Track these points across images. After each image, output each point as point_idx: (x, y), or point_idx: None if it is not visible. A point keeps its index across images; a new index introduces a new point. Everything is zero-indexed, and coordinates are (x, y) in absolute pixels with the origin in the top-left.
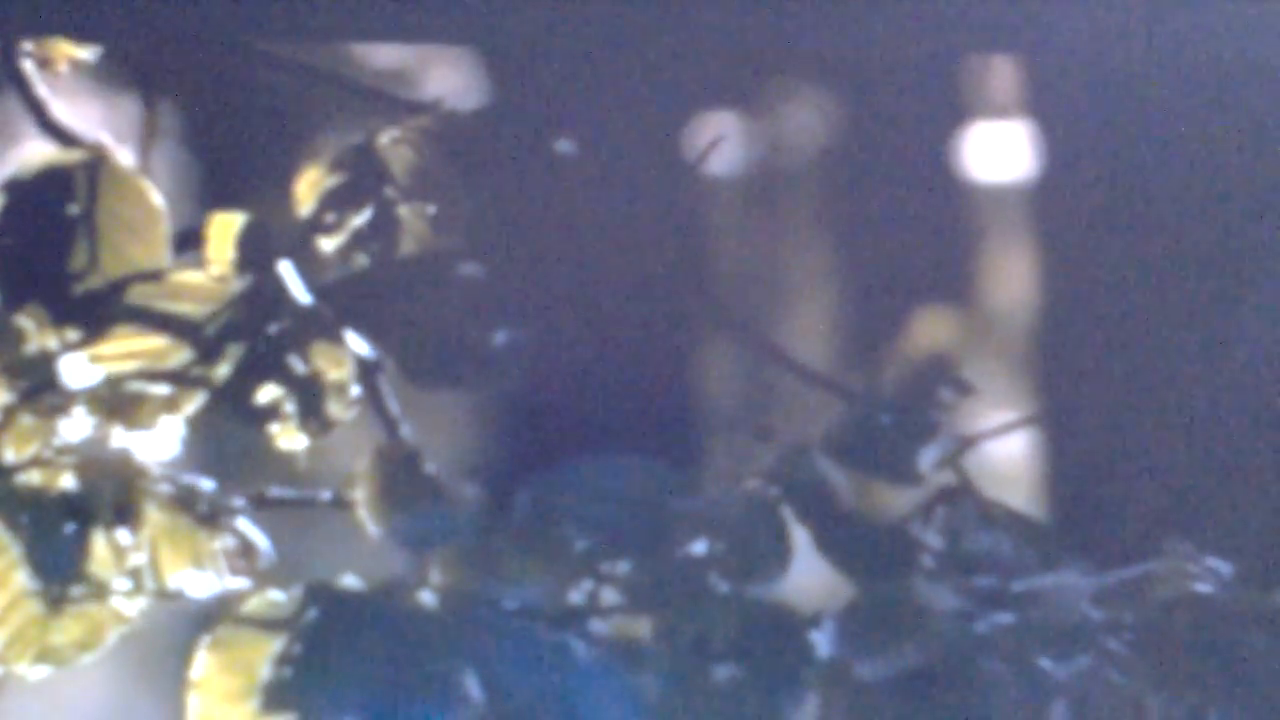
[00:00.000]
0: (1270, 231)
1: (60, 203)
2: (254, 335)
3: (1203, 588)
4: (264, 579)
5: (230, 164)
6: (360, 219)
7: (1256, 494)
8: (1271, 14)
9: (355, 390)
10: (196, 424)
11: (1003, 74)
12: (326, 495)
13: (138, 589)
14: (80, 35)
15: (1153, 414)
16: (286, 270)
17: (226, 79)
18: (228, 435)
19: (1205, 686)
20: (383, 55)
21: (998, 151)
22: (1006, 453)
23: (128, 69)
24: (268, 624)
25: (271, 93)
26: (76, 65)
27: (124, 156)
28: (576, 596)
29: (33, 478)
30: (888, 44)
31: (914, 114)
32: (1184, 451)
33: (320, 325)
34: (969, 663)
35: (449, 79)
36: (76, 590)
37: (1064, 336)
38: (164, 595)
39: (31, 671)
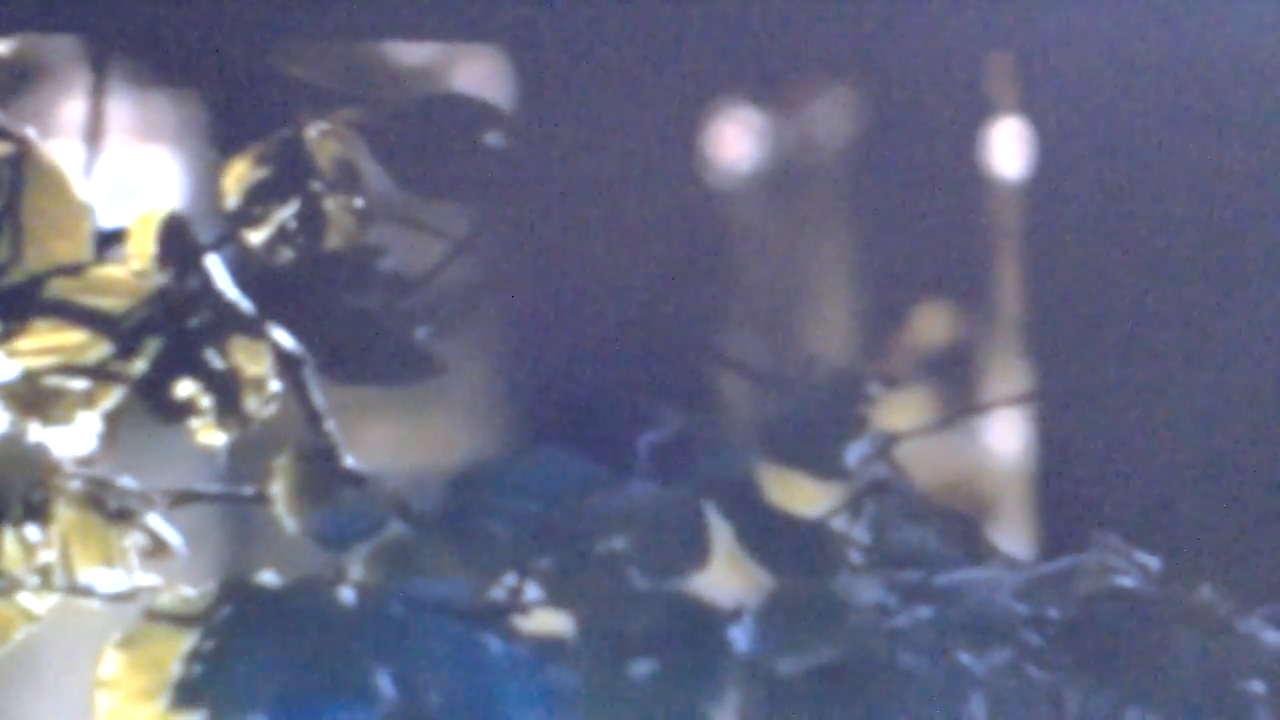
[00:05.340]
0: (1267, 233)
1: None
2: (172, 330)
3: (1127, 582)
4: (177, 576)
5: (165, 157)
6: (286, 212)
7: (1187, 489)
8: (1272, 13)
9: (275, 386)
10: (115, 419)
11: (1006, 73)
12: (248, 491)
13: (47, 586)
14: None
15: (1088, 409)
16: (211, 264)
17: (172, 71)
18: (151, 431)
19: (1124, 682)
20: (320, 49)
21: (1002, 150)
22: (940, 447)
23: (70, 62)
24: (179, 620)
25: (211, 85)
26: None
27: (52, 150)
28: (496, 592)
29: None
30: (890, 44)
31: (915, 114)
32: (1117, 445)
33: (239, 320)
34: (889, 657)
35: (393, 72)
36: None
37: (1040, 333)
38: (74, 593)
39: None
